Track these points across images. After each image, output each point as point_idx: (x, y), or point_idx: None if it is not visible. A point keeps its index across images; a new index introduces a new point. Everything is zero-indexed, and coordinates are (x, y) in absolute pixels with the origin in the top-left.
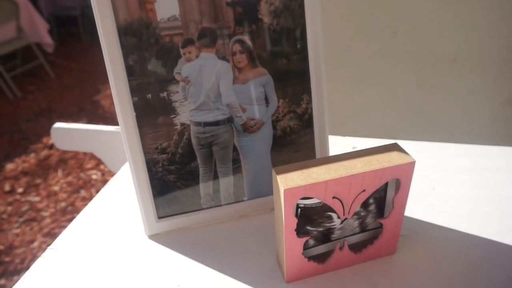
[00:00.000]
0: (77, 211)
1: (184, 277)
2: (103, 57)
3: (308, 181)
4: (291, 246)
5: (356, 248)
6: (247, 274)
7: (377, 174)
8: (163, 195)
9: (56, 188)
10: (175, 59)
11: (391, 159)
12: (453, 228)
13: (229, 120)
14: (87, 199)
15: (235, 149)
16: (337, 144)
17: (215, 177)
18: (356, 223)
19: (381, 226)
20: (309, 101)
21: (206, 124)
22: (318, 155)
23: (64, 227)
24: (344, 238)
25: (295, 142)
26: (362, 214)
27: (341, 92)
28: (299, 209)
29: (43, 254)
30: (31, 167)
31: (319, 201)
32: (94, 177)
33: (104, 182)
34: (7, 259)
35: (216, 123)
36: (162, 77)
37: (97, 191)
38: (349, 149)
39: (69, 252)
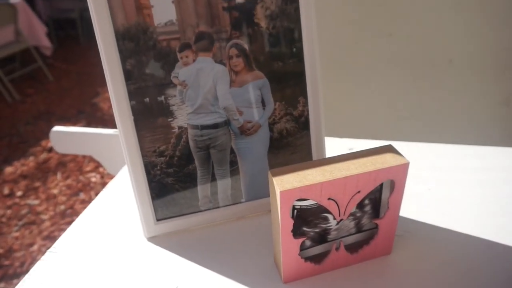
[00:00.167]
0: (76, 214)
1: (182, 278)
2: (101, 60)
3: (304, 183)
4: (287, 247)
5: (352, 248)
6: (245, 275)
7: (371, 175)
8: (162, 197)
9: (55, 191)
10: (172, 63)
11: (385, 161)
12: (449, 228)
13: (226, 123)
14: (86, 202)
15: (232, 151)
16: (334, 146)
17: (213, 179)
18: (352, 224)
19: (376, 226)
20: (306, 104)
21: (204, 127)
22: (314, 157)
23: (64, 230)
24: (340, 239)
25: (291, 144)
26: (358, 215)
27: (338, 94)
28: (295, 211)
29: (43, 257)
30: (30, 170)
31: (315, 202)
32: (93, 179)
33: (103, 184)
34: (6, 262)
35: (214, 126)
36: (160, 81)
37: (96, 194)
38: (345, 151)
39: (69, 255)
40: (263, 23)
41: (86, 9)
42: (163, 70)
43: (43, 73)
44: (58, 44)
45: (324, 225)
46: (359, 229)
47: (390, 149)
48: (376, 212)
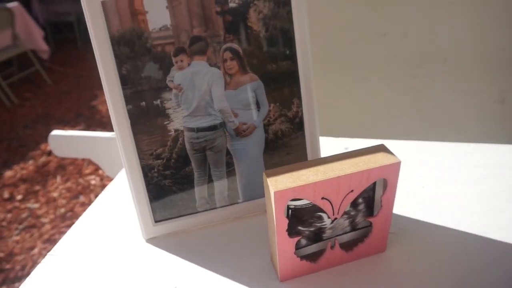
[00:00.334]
0: (76, 216)
1: (181, 278)
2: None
3: (297, 183)
4: (283, 246)
5: (347, 246)
6: (242, 274)
7: (364, 174)
8: (159, 199)
9: (55, 194)
10: (167, 67)
11: (377, 160)
12: (443, 225)
13: (222, 125)
14: (86, 204)
15: (228, 153)
16: (329, 145)
17: (210, 180)
18: (346, 222)
19: (370, 224)
20: (300, 105)
21: (200, 129)
22: (309, 157)
23: (64, 233)
24: (335, 237)
25: (286, 145)
26: (352, 213)
27: (333, 93)
28: (290, 210)
29: (43, 260)
30: (29, 174)
31: (309, 202)
32: (92, 182)
33: (103, 187)
34: (7, 266)
35: (209, 128)
36: (156, 85)
37: (96, 196)
38: (341, 150)
39: (69, 258)
40: (256, 26)
41: (83, 13)
42: (159, 74)
43: (41, 77)
44: (55, 48)
45: (318, 224)
46: (353, 227)
47: (382, 149)
48: (370, 210)
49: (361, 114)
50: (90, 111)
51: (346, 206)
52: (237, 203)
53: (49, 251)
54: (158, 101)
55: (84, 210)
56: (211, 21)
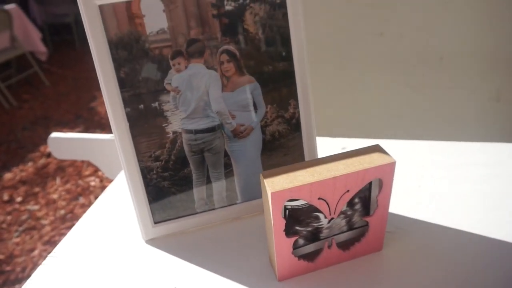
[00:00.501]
0: (76, 218)
1: (180, 279)
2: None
3: (294, 184)
4: (281, 246)
5: (344, 246)
6: (241, 274)
7: (359, 175)
8: (158, 201)
9: (55, 196)
10: (165, 70)
11: (372, 160)
12: (439, 224)
13: (220, 127)
14: (86, 206)
15: (226, 154)
16: (327, 145)
17: (208, 181)
18: (343, 222)
19: (367, 224)
20: (296, 106)
21: (198, 131)
22: (306, 158)
23: (64, 234)
24: (332, 237)
25: (284, 146)
26: (349, 213)
27: (330, 93)
28: (287, 211)
29: (44, 262)
30: (29, 175)
31: (305, 202)
32: (92, 183)
33: (102, 188)
34: (7, 268)
35: (207, 130)
36: (153, 87)
37: (96, 198)
38: (338, 150)
39: (69, 259)
40: (252, 29)
41: (81, 14)
42: (157, 77)
43: (40, 79)
44: (54, 49)
45: (315, 224)
46: (350, 227)
47: (377, 149)
48: (366, 210)
49: (358, 114)
50: (89, 113)
51: (343, 206)
52: (236, 203)
53: (49, 252)
54: (156, 104)
55: (84, 212)
56: (207, 24)
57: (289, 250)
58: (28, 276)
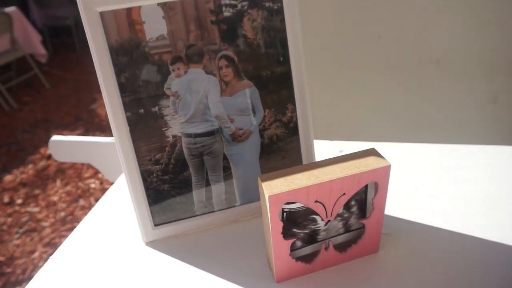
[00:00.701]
0: (76, 220)
1: (180, 281)
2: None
3: (291, 187)
4: (278, 248)
5: (341, 247)
6: (240, 275)
7: (355, 178)
8: (159, 203)
9: (55, 198)
10: (165, 75)
11: (368, 164)
12: (434, 226)
13: (219, 131)
14: (86, 208)
15: (225, 157)
16: (324, 148)
17: (207, 184)
18: (340, 224)
19: (363, 226)
20: (294, 110)
21: (197, 135)
22: (304, 161)
23: (64, 236)
24: (329, 239)
25: (282, 149)
26: (345, 215)
27: (328, 96)
28: (284, 213)
29: (45, 264)
30: (29, 178)
31: (303, 205)
32: (92, 186)
33: (103, 190)
34: (8, 270)
35: (206, 134)
36: (153, 92)
37: (96, 200)
38: (336, 153)
39: (70, 261)
40: (250, 34)
41: (81, 17)
42: (156, 82)
43: (40, 81)
44: (54, 52)
45: (313, 226)
46: (347, 229)
47: (373, 153)
48: (362, 212)
49: (355, 117)
50: (89, 115)
51: (339, 209)
52: (234, 206)
53: (49, 254)
54: (156, 108)
55: (84, 214)
56: (206, 30)
57: (287, 252)
58: (29, 278)
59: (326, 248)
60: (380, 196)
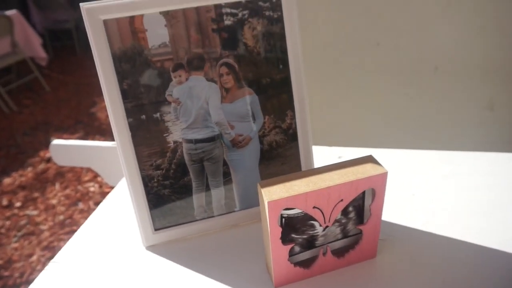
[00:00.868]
0: (75, 223)
1: (180, 285)
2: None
3: (290, 193)
4: (277, 253)
5: (339, 253)
6: (239, 280)
7: (353, 185)
8: (159, 208)
9: (54, 201)
10: (166, 82)
11: (365, 171)
12: (431, 232)
13: (219, 137)
14: (85, 212)
15: (225, 163)
16: (323, 154)
17: (207, 189)
18: (338, 230)
19: (361, 232)
20: (293, 117)
21: (198, 141)
22: (303, 167)
23: (63, 240)
24: (327, 244)
25: (281, 155)
26: (343, 221)
27: (327, 102)
28: (283, 219)
29: (46, 268)
30: (28, 181)
31: (301, 211)
32: (91, 189)
33: (102, 194)
34: (6, 273)
35: (207, 140)
36: (155, 99)
37: (95, 203)
38: (335, 159)
39: (71, 265)
40: (251, 42)
41: (81, 20)
42: (158, 89)
43: (40, 84)
44: (54, 55)
45: (311, 232)
46: (344, 234)
47: (370, 160)
48: (360, 218)
49: (354, 123)
50: (89, 118)
51: (337, 215)
52: (234, 211)
53: (47, 258)
54: (158, 114)
55: (83, 217)
56: (208, 38)
57: (285, 257)
58: (27, 281)
59: (324, 254)
60: (377, 202)
